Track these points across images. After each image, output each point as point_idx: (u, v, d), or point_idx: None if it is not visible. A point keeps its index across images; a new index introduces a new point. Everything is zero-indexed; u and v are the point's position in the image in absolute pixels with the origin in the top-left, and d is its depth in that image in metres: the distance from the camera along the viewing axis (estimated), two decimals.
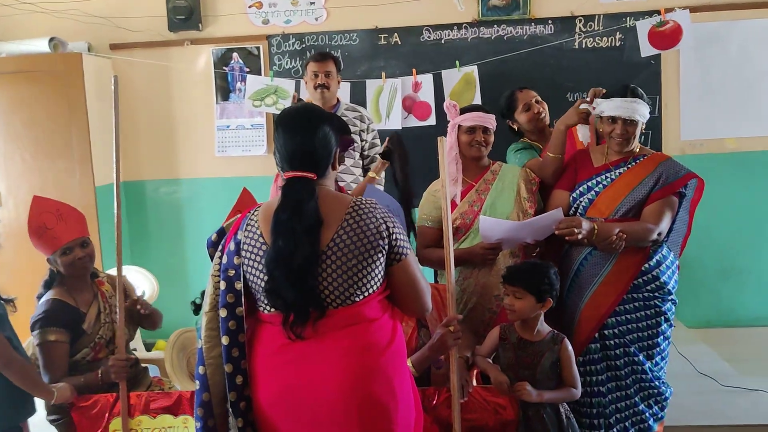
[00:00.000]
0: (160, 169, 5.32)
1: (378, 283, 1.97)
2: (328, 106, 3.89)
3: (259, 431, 2.01)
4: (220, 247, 2.04)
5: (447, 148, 3.08)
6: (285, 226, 1.88)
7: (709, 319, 5.05)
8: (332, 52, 4.73)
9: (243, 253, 1.97)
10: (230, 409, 1.97)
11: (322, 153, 2.00)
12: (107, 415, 2.63)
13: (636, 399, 2.96)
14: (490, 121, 3.09)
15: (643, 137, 4.77)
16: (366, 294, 1.94)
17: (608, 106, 2.94)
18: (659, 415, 3.00)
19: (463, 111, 3.11)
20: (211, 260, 2.08)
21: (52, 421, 2.80)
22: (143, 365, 3.07)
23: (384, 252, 1.95)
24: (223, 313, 1.97)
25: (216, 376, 2.00)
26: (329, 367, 1.91)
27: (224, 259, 2.00)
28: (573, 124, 3.12)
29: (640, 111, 2.92)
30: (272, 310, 1.95)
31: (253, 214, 2.02)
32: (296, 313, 1.89)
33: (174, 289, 4.69)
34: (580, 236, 2.79)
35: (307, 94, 4.14)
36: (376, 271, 1.95)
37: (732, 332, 4.96)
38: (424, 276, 2.12)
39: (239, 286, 1.97)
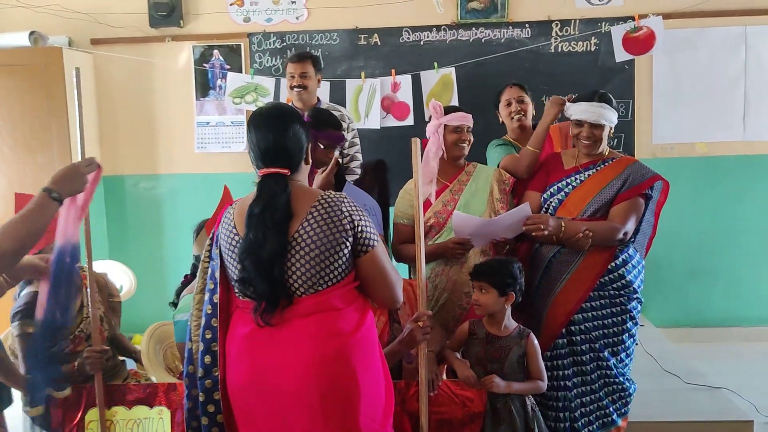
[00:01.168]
0: (139, 164, 5.35)
1: (344, 273, 2.07)
2: (308, 106, 3.92)
3: (229, 413, 2.14)
4: (211, 235, 2.21)
5: (434, 148, 3.18)
6: (257, 219, 2.00)
7: (677, 318, 5.18)
8: (312, 51, 4.81)
9: (221, 243, 2.12)
10: (199, 383, 2.14)
11: (294, 149, 2.11)
12: (83, 406, 2.67)
13: (601, 394, 3.05)
14: (471, 120, 3.21)
15: (615, 140, 4.95)
16: (331, 283, 2.04)
17: (576, 110, 3.04)
18: (623, 410, 3.09)
19: (446, 111, 3.19)
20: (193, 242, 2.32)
21: (28, 412, 2.83)
22: (120, 358, 3.11)
23: (349, 243, 2.05)
24: (204, 297, 2.18)
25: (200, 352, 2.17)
26: (295, 353, 2.01)
27: (213, 249, 2.19)
28: (553, 117, 3.22)
29: (607, 115, 3.01)
30: (245, 297, 2.07)
31: (231, 208, 2.15)
32: (266, 301, 2.00)
33: (152, 283, 4.73)
34: (546, 233, 2.89)
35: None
36: (341, 262, 2.04)
37: (699, 332, 5.09)
38: (396, 269, 2.20)
39: (217, 274, 2.13)
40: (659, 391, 3.70)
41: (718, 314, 5.16)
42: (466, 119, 3.17)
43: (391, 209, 3.36)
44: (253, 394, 2.06)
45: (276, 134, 2.08)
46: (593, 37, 4.94)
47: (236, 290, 2.10)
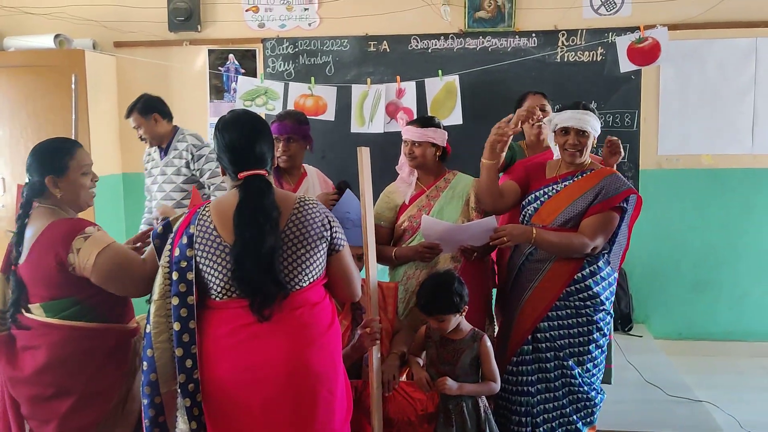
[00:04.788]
0: None
1: (320, 271, 2.22)
2: (162, 141, 4.17)
3: (210, 410, 2.17)
4: (170, 240, 2.21)
5: (401, 161, 3.32)
6: (250, 218, 2.09)
7: (680, 331, 5.16)
8: (323, 57, 5.06)
9: (196, 246, 2.15)
10: (179, 390, 2.15)
11: (269, 152, 2.25)
12: None
13: (564, 401, 3.09)
14: (420, 134, 3.21)
15: (625, 152, 4.96)
16: (311, 280, 2.18)
17: (561, 118, 3.07)
18: (588, 420, 3.12)
19: (407, 124, 3.30)
20: (156, 251, 2.27)
21: None
22: None
23: (327, 242, 2.20)
24: (175, 301, 2.14)
25: (162, 359, 2.16)
26: (278, 346, 2.12)
27: (176, 252, 2.16)
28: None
29: (591, 123, 3.04)
30: (225, 297, 2.14)
31: (204, 210, 2.20)
32: (264, 296, 2.09)
33: None
34: (510, 244, 2.99)
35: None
36: (320, 260, 2.20)
37: (703, 345, 5.06)
38: (356, 267, 2.38)
39: (191, 276, 2.13)
40: (639, 402, 3.74)
41: (722, 328, 5.12)
42: (410, 134, 3.23)
43: None
44: (237, 387, 2.14)
45: (253, 137, 2.20)
46: (600, 47, 4.96)
47: (214, 290, 2.15)
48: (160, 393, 2.17)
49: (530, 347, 3.10)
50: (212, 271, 2.13)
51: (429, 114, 4.73)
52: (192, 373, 2.14)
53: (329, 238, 2.21)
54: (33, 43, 5.12)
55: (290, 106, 5.05)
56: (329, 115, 5.06)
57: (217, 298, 2.16)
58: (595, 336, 3.09)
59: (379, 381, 2.60)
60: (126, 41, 5.40)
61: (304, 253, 2.15)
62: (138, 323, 2.61)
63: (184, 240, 2.16)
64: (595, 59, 4.98)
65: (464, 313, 2.79)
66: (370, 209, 2.50)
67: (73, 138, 2.87)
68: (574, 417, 3.10)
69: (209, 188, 4.08)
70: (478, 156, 3.19)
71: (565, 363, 3.07)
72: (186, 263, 2.14)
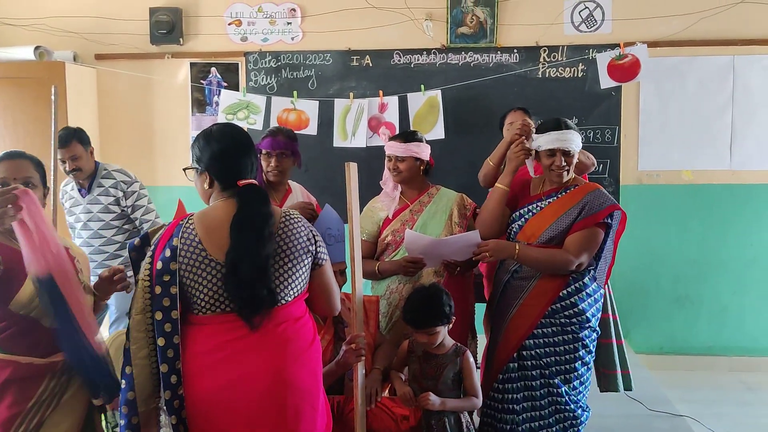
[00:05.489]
0: (139, 176, 5.45)
1: (304, 285, 2.20)
2: (86, 178, 3.94)
3: (194, 428, 2.12)
4: (150, 253, 2.13)
5: (385, 176, 3.32)
6: (251, 224, 2.08)
7: (662, 345, 5.18)
8: (306, 71, 5.03)
9: (180, 259, 2.10)
10: (164, 407, 2.09)
11: (257, 164, 2.26)
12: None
13: (550, 420, 3.06)
14: (404, 149, 3.22)
15: (601, 166, 4.99)
16: (295, 294, 2.16)
17: (545, 140, 3.05)
18: None
19: (390, 139, 3.30)
20: (132, 264, 2.21)
21: None
22: None
23: (312, 256, 2.19)
24: (158, 316, 2.07)
25: (141, 377, 2.10)
26: (262, 361, 2.09)
27: (158, 265, 2.09)
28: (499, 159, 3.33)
29: (576, 141, 3.05)
30: (209, 312, 2.09)
31: (187, 222, 2.15)
32: (256, 303, 2.06)
33: None
34: (491, 259, 3.00)
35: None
36: (304, 274, 2.18)
37: (683, 359, 5.09)
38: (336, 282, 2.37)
39: (174, 290, 2.07)
40: (620, 417, 3.74)
41: (703, 342, 5.15)
42: (392, 148, 3.24)
43: None
44: (219, 404, 2.09)
45: (245, 148, 2.22)
46: (581, 64, 5.01)
47: (197, 305, 2.10)
48: (137, 413, 2.10)
49: (516, 365, 3.08)
50: (197, 285, 2.09)
51: (411, 128, 4.74)
52: (177, 389, 2.08)
53: (314, 253, 2.20)
54: (12, 54, 5.07)
55: (272, 120, 5.05)
56: (311, 130, 5.06)
57: (200, 313, 2.11)
58: (581, 353, 3.07)
59: (364, 396, 2.58)
60: (107, 53, 5.36)
61: (291, 267, 2.13)
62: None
63: (167, 253, 2.10)
64: (576, 75, 5.03)
65: (450, 326, 2.78)
66: (356, 224, 2.49)
67: (52, 150, 2.82)
68: None
69: (141, 224, 3.99)
70: (460, 170, 3.22)
71: (551, 381, 3.05)
72: (169, 277, 2.08)
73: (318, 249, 2.22)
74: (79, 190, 3.98)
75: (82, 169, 3.89)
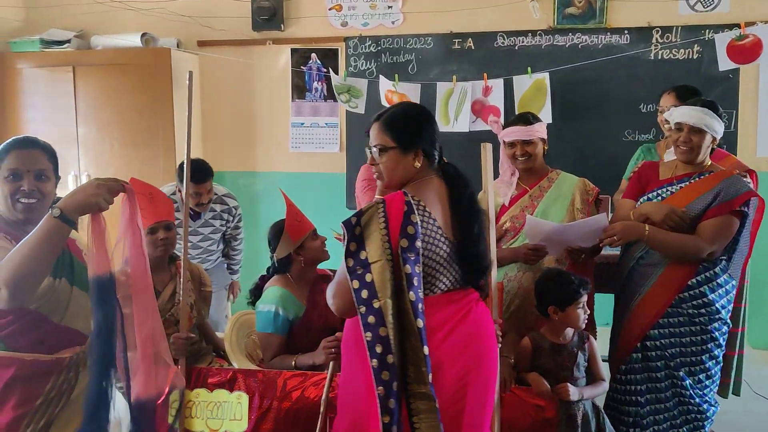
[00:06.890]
0: (239, 162, 5.59)
1: None
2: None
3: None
4: (381, 230, 2.01)
5: (501, 161, 3.20)
6: (469, 209, 2.22)
7: None
8: (406, 55, 4.92)
9: (421, 235, 2.05)
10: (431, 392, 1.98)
11: None
12: (168, 385, 2.82)
13: (675, 413, 2.95)
14: (530, 132, 3.10)
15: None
16: None
17: (677, 113, 2.91)
18: None
19: (506, 125, 3.18)
20: (344, 240, 2.03)
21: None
22: (206, 344, 3.26)
23: None
24: (412, 296, 1.98)
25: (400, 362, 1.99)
26: (484, 329, 2.22)
27: (403, 242, 2.00)
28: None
29: (708, 122, 2.85)
30: (438, 291, 2.13)
31: (413, 197, 2.09)
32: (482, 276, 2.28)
33: (245, 276, 4.91)
34: (620, 243, 2.91)
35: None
36: None
37: None
38: None
39: (419, 269, 2.01)
40: (747, 413, 3.56)
41: None
42: (516, 133, 3.10)
43: None
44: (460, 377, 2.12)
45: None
46: (696, 45, 4.77)
47: (443, 284, 2.14)
48: (392, 352, 1.96)
49: (639, 355, 2.97)
50: (434, 264, 2.11)
51: (517, 113, 4.61)
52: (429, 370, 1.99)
53: None
54: (121, 41, 5.17)
55: (377, 102, 4.96)
56: None
57: (432, 293, 2.12)
58: (709, 346, 2.92)
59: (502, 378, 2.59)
60: (209, 40, 5.42)
61: None
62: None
63: (410, 230, 2.01)
64: (690, 57, 4.80)
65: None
66: (491, 203, 2.44)
67: (187, 138, 2.76)
68: (684, 429, 2.95)
69: (233, 240, 4.29)
70: (567, 155, 3.13)
71: (675, 373, 2.92)
72: (414, 255, 2.00)
73: None
74: (190, 215, 3.85)
75: (205, 203, 3.86)
